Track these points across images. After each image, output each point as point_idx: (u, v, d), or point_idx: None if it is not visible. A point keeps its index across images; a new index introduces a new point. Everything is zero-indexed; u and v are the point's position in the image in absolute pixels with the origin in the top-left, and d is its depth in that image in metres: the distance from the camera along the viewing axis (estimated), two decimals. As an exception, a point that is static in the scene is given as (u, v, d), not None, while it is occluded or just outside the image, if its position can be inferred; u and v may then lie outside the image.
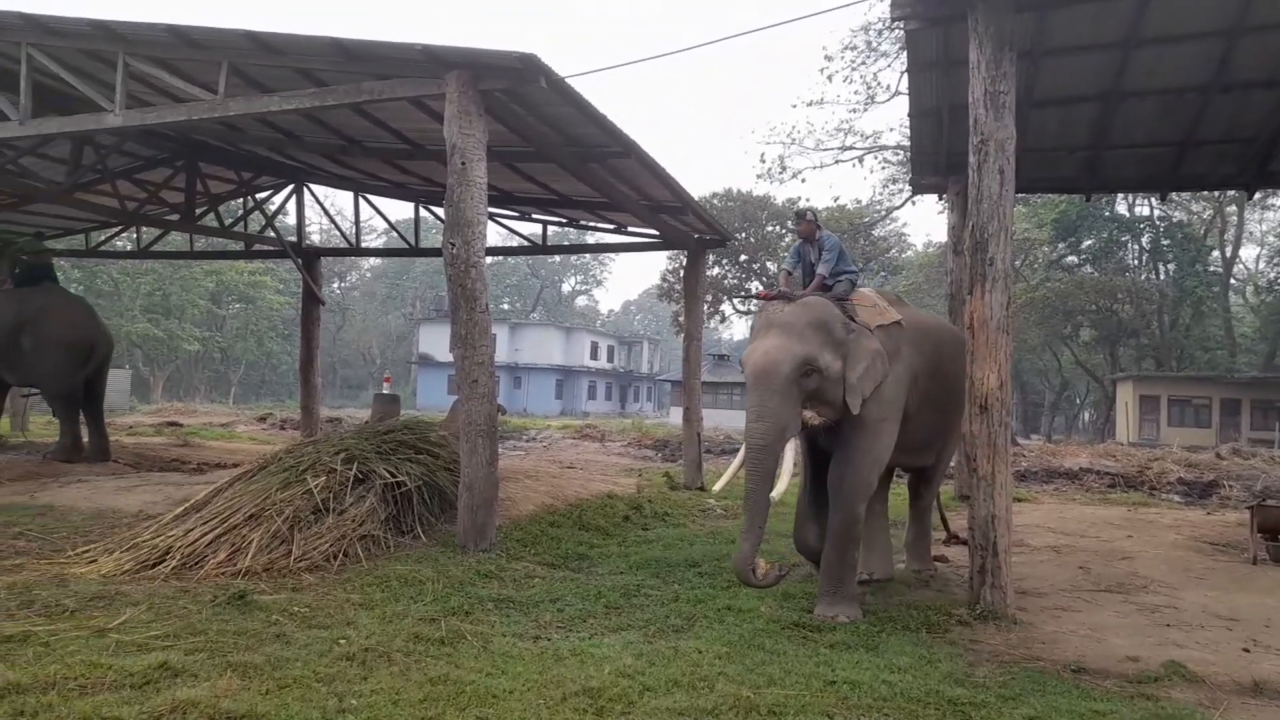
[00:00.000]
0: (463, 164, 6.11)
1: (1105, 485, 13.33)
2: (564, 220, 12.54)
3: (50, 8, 7.19)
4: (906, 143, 14.96)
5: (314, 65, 6.89)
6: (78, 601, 4.52)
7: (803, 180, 42.12)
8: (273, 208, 13.92)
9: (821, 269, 5.49)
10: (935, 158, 10.23)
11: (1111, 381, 33.92)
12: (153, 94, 8.41)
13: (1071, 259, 34.57)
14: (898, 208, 30.39)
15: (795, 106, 53.76)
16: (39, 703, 3.13)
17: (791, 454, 4.85)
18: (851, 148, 26.64)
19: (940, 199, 11.33)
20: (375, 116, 8.49)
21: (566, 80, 6.41)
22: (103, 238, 14.73)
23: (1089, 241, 33.76)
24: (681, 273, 14.27)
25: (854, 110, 38.72)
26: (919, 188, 11.41)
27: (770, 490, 4.75)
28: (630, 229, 12.12)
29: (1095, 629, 4.95)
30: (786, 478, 4.76)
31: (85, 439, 10.45)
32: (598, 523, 7.70)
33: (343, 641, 4.06)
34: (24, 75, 7.45)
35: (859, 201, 31.36)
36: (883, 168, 28.35)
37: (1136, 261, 34.95)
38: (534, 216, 12.61)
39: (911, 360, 5.40)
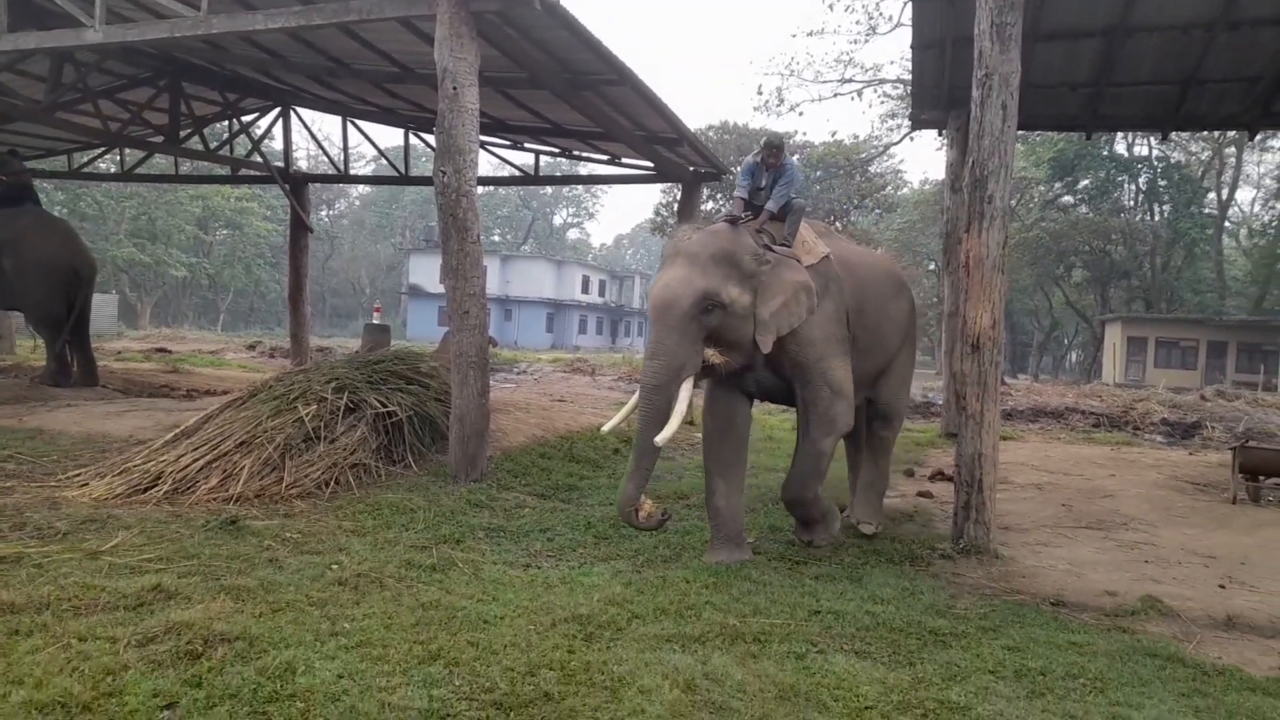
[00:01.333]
0: (454, 88, 5.96)
1: (1090, 425, 13.50)
2: (557, 150, 12.32)
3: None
4: (907, 76, 14.69)
5: (300, -19, 6.65)
6: (70, 524, 4.55)
7: (800, 113, 41.60)
8: (259, 132, 13.61)
9: (772, 203, 4.91)
10: (936, 92, 10.05)
11: (1101, 322, 34.09)
12: (134, 9, 8.13)
13: (1067, 199, 34.40)
14: (895, 143, 30.04)
15: (795, 36, 52.80)
16: (34, 622, 3.16)
17: (686, 396, 4.42)
18: (851, 80, 26.22)
19: (939, 134, 11.16)
20: (364, 37, 8.24)
21: (561, 2, 6.22)
22: (85, 159, 14.40)
23: (1086, 181, 33.54)
24: (675, 206, 14.12)
25: (855, 41, 37.99)
26: (919, 122, 11.24)
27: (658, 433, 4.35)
28: (624, 160, 11.92)
29: (1075, 564, 5.05)
30: (677, 420, 4.35)
31: (73, 363, 10.40)
32: (588, 455, 7.75)
33: (335, 567, 4.11)
34: (-2, -14, 7.17)
35: (856, 137, 30.96)
36: (882, 102, 28.07)
37: (1132, 202, 34.80)
38: (526, 146, 12.38)
39: (840, 299, 4.98)
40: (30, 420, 7.63)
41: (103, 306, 25.91)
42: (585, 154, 12.15)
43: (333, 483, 5.74)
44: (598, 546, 4.99)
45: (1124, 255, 33.35)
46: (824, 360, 4.83)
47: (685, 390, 4.44)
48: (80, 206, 33.83)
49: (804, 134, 37.95)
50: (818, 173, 30.43)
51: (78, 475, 5.61)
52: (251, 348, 22.10)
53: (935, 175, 42.78)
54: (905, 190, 37.86)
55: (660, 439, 4.33)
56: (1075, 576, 4.79)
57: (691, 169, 11.37)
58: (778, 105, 26.76)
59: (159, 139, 12.36)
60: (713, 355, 4.50)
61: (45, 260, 9.87)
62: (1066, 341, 44.27)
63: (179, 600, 3.50)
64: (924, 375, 25.83)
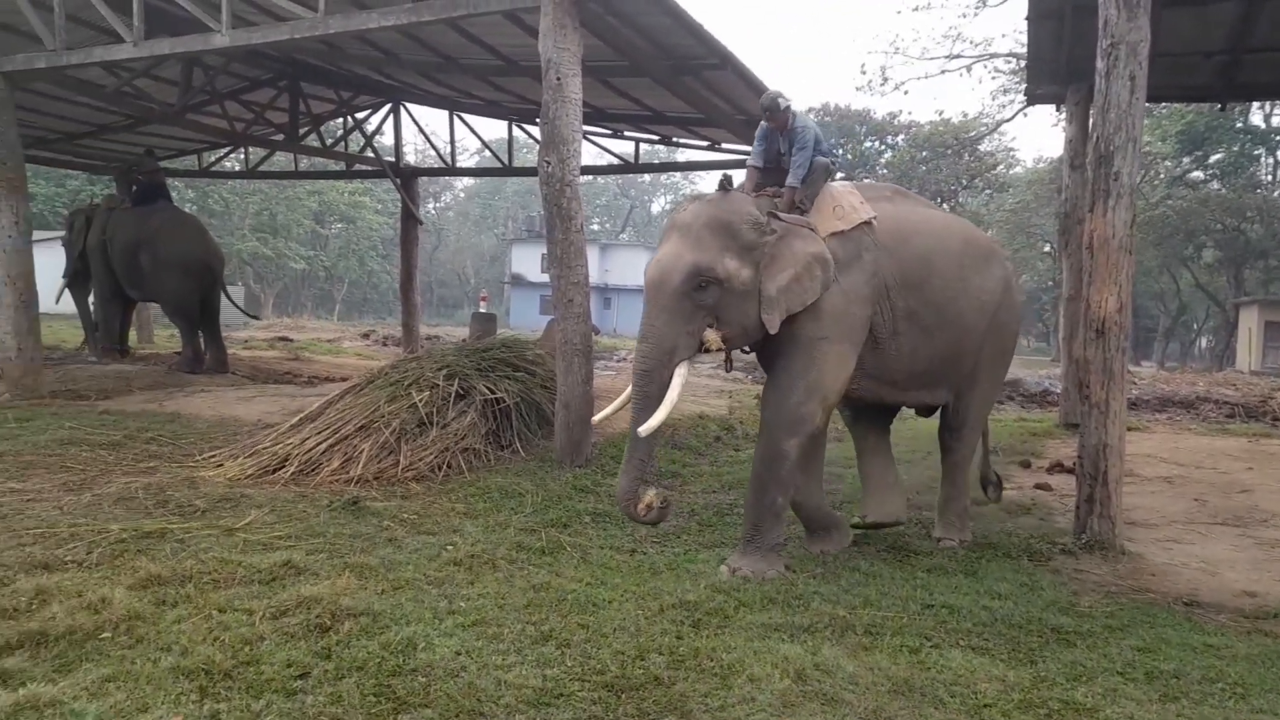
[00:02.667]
0: (558, 79, 6.03)
1: (1224, 415, 12.65)
2: (657, 138, 12.34)
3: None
4: (1020, 49, 14.08)
5: (410, -20, 6.86)
6: (208, 503, 4.85)
7: (905, 92, 40.41)
8: (371, 128, 14.15)
9: (792, 176, 4.36)
10: (1054, 64, 9.55)
11: (1234, 306, 31.87)
12: (256, 13, 8.53)
13: (1197, 174, 32.23)
14: (1008, 120, 28.79)
15: (900, 13, 51.16)
16: (178, 593, 3.39)
17: (680, 381, 4.02)
18: (959, 56, 25.25)
19: (1057, 110, 10.63)
20: (470, 32, 8.42)
21: (663, -11, 6.22)
22: (213, 158, 15.27)
23: (1218, 155, 31.32)
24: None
25: (964, 15, 36.77)
26: (1034, 98, 10.72)
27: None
28: (723, 145, 11.84)
29: (1209, 562, 4.76)
30: (666, 409, 3.94)
31: (205, 351, 11.07)
32: (690, 442, 7.76)
33: (450, 548, 4.25)
34: (137, -3, 7.64)
35: (965, 114, 29.86)
36: (993, 77, 26.88)
37: (1270, 177, 32.37)
38: (626, 134, 12.43)
39: (879, 269, 4.36)
40: (169, 405, 8.17)
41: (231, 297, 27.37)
42: (684, 140, 12.12)
43: (445, 466, 5.92)
44: (702, 533, 5.00)
45: (1261, 234, 31.06)
46: (824, 341, 4.20)
47: (679, 375, 4.03)
48: (209, 203, 35.86)
49: (909, 113, 36.93)
50: (924, 153, 29.49)
51: (213, 456, 5.98)
52: (365, 336, 23.00)
53: (1050, 152, 40.87)
54: (1018, 169, 36.29)
55: (644, 429, 3.91)
56: (1210, 575, 4.51)
57: (794, 153, 11.17)
58: (881, 84, 26.05)
59: (280, 137, 12.97)
60: (712, 337, 4.06)
61: (179, 255, 10.53)
62: (1196, 326, 41.62)
63: (308, 576, 3.68)
64: (1039, 362, 24.79)
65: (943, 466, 5.13)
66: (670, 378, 4.01)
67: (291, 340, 18.70)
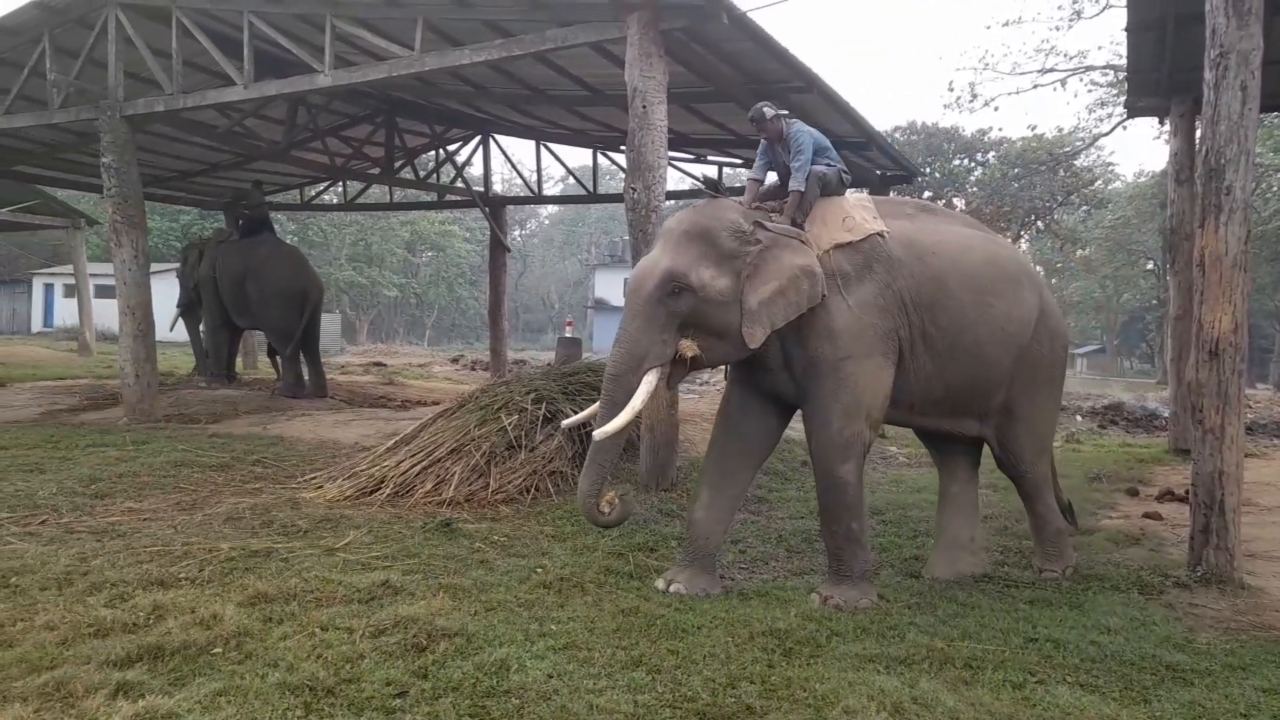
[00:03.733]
0: (644, 107, 6.11)
1: (1351, 441, 11.81)
2: (739, 160, 12.35)
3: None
4: (1118, 61, 13.58)
5: (501, 16, 7.11)
6: (309, 523, 5.04)
7: (995, 108, 39.30)
8: (461, 159, 14.60)
9: (794, 182, 4.16)
10: (1156, 76, 9.19)
11: (1361, 324, 29.82)
12: (355, 53, 8.93)
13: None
14: (1105, 134, 27.67)
15: (989, 28, 49.95)
16: (283, 611, 3.53)
17: (646, 390, 3.88)
18: (1052, 70, 24.38)
19: (1159, 123, 10.19)
20: (556, 64, 8.63)
21: (748, 14, 6.25)
22: (314, 192, 15.99)
23: (1338, 165, 29.48)
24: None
25: (1057, 28, 35.62)
26: (1135, 110, 10.31)
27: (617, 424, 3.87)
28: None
29: (1341, 600, 4.43)
30: (626, 415, 3.83)
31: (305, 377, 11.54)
32: (775, 467, 7.66)
33: (539, 570, 4.30)
34: (246, 42, 8.10)
35: (1060, 129, 28.78)
36: (1089, 90, 25.85)
37: (1400, 186, 30.23)
38: (709, 158, 12.49)
39: (894, 281, 4.10)
40: (272, 428, 8.53)
41: (328, 325, 28.42)
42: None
43: (533, 489, 6.00)
44: (790, 560, 4.93)
45: (1390, 247, 28.99)
46: (849, 361, 4.00)
47: (646, 383, 3.89)
48: (309, 235, 37.51)
49: (999, 129, 35.90)
50: (1015, 170, 28.63)
51: (313, 479, 6.21)
52: (455, 361, 23.58)
53: (1151, 166, 39.20)
54: (1117, 184, 34.86)
55: (599, 433, 3.84)
56: (1342, 613, 4.20)
57: (879, 172, 11.05)
58: (970, 101, 25.28)
59: (376, 170, 13.51)
60: (686, 347, 3.92)
61: (282, 285, 11.05)
62: (1316, 346, 39.04)
63: (404, 596, 3.78)
64: (1144, 385, 23.66)
65: (1025, 503, 4.83)
66: (638, 384, 3.89)
67: (385, 365, 19.32)
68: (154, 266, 10.59)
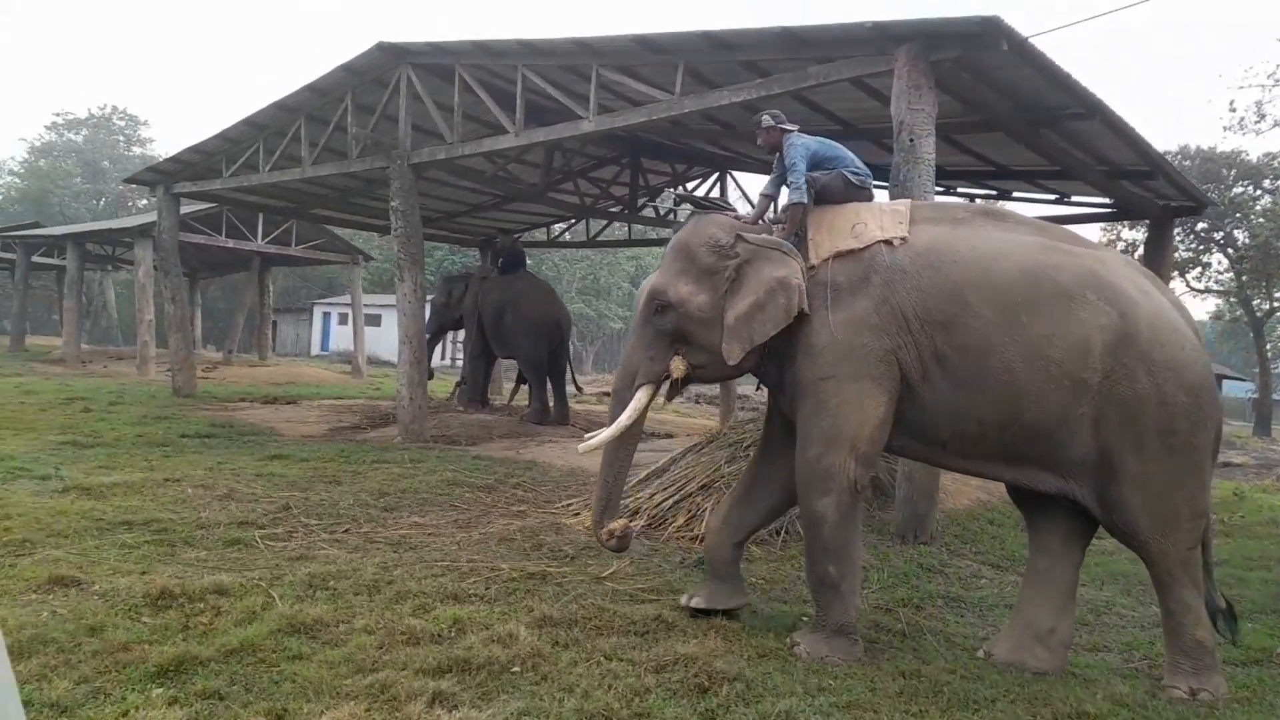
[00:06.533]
0: (911, 140, 5.91)
1: None
2: (995, 193, 11.67)
3: (421, 32, 8.31)
4: None
5: (759, 56, 7.16)
6: (574, 549, 5.22)
7: (1285, 129, 34.63)
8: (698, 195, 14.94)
9: (791, 195, 3.92)
10: None
11: None
12: (612, 99, 9.38)
13: None
14: None
15: None
16: (568, 636, 3.65)
17: (635, 407, 3.94)
18: (1364, 83, 21.20)
19: None
20: (811, 100, 8.56)
21: (1028, 40, 5.89)
22: (558, 230, 16.95)
23: None
24: (1136, 247, 12.53)
25: (1366, 35, 30.73)
26: None
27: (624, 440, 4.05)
28: (1073, 199, 10.89)
29: None
30: (612, 431, 3.97)
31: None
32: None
33: (805, 620, 4.17)
34: (519, 93, 8.73)
35: (1372, 149, 24.91)
36: None
37: None
38: (958, 190, 11.90)
39: (892, 294, 3.61)
40: (524, 453, 9.01)
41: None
42: (1027, 193, 11.33)
43: (783, 530, 5.89)
44: (1078, 633, 4.46)
45: None
46: (830, 382, 3.61)
47: (636, 399, 3.96)
48: (543, 269, 39.85)
49: (1290, 153, 31.54)
50: (1314, 197, 25.02)
51: (570, 504, 6.45)
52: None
53: None
54: None
55: (582, 446, 4.13)
56: None
57: (1162, 203, 10.02)
58: (1256, 122, 22.46)
59: (618, 209, 14.08)
60: (676, 365, 3.94)
61: (536, 317, 11.75)
62: None
63: (677, 632, 3.80)
64: None
65: (1154, 582, 3.76)
66: (629, 400, 3.99)
67: (615, 395, 19.94)
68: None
